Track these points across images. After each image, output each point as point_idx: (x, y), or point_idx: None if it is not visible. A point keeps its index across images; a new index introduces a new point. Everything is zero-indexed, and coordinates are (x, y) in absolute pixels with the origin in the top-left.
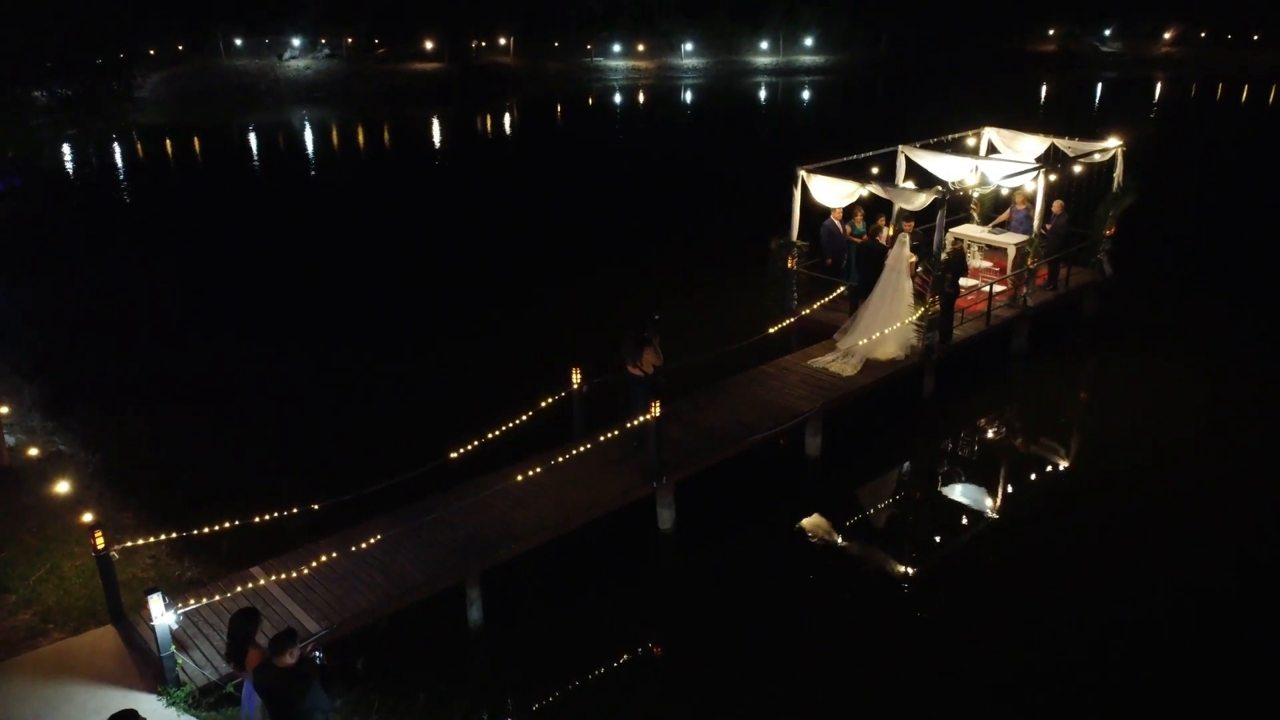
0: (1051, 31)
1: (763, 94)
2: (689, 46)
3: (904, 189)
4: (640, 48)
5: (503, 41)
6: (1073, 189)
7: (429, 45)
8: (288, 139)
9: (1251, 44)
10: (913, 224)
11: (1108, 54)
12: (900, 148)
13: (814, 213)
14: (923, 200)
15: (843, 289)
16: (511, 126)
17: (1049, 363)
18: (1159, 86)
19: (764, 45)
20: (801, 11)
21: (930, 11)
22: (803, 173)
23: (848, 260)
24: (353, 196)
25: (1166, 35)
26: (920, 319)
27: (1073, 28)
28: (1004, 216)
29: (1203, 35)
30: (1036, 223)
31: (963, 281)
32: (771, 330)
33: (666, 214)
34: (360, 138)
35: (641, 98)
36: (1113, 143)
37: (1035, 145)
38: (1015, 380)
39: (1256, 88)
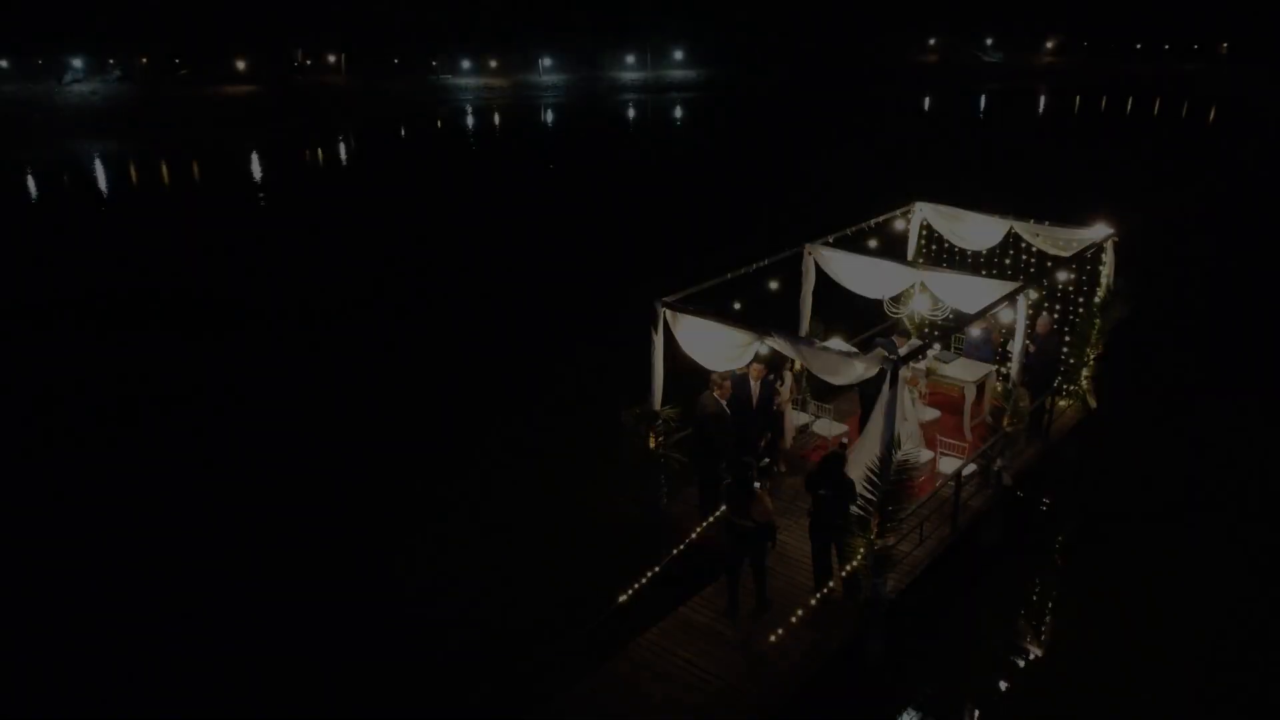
0: (932, 42)
1: (631, 113)
2: (548, 62)
3: (828, 352)
4: (493, 64)
5: (332, 59)
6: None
7: (240, 65)
8: (75, 180)
9: (1134, 54)
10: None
11: (990, 64)
12: (808, 248)
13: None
14: (860, 371)
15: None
16: (347, 155)
17: (1032, 561)
18: (1042, 99)
19: (630, 60)
20: (669, 24)
21: (806, 23)
22: (665, 312)
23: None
24: (157, 246)
25: (1049, 45)
26: (860, 558)
27: (953, 38)
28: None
29: (1085, 45)
30: (1018, 343)
31: (905, 443)
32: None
33: (530, 263)
34: (165, 174)
35: (497, 119)
36: (1101, 230)
37: (986, 228)
38: (990, 602)
39: (1142, 98)
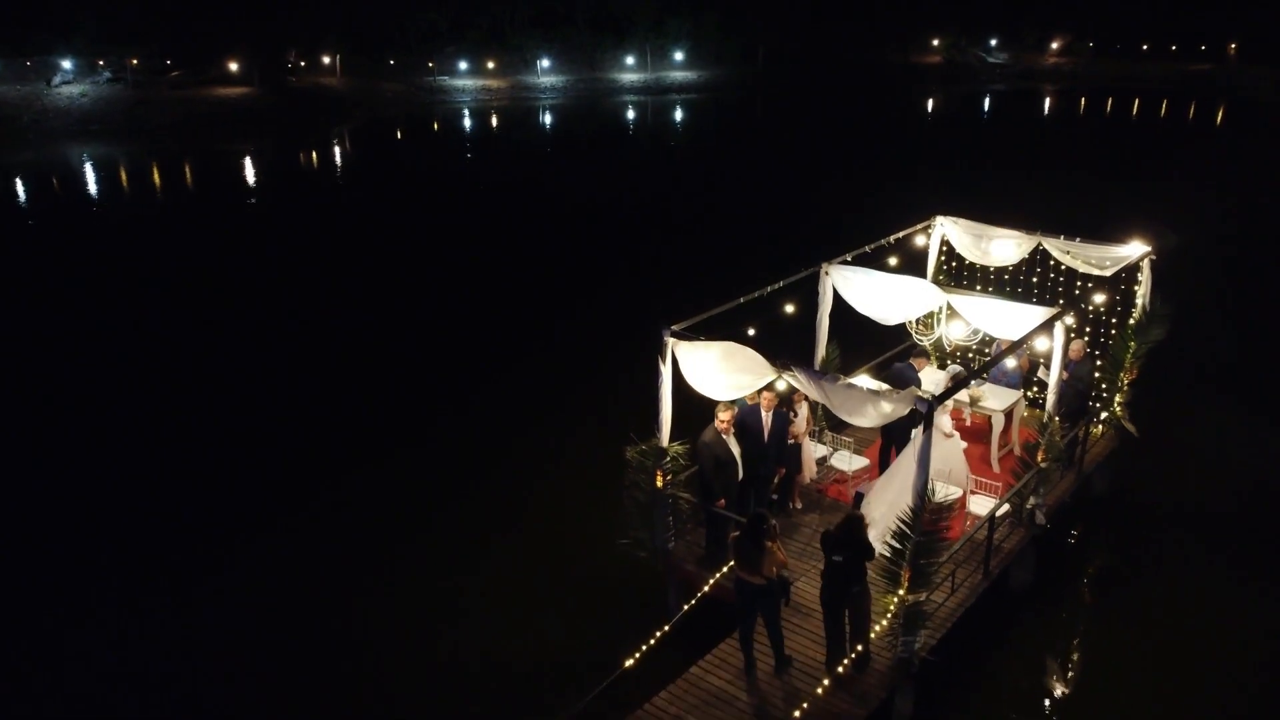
0: (936, 43)
1: (631, 115)
2: (545, 63)
3: (853, 390)
4: (490, 65)
5: (327, 60)
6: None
7: (234, 67)
8: (65, 184)
9: (1140, 54)
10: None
11: (994, 65)
12: (825, 267)
13: (696, 403)
14: (888, 412)
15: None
16: (343, 158)
17: (1065, 603)
18: (1047, 100)
19: (629, 61)
20: (670, 24)
21: (809, 24)
22: (671, 342)
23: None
24: (151, 251)
25: (1054, 45)
26: (893, 615)
27: (957, 39)
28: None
29: (1090, 45)
30: (1054, 373)
31: (941, 482)
32: None
33: (529, 287)
34: (156, 178)
35: (495, 121)
36: (1137, 248)
37: (1011, 246)
38: (1023, 652)
39: (1148, 100)
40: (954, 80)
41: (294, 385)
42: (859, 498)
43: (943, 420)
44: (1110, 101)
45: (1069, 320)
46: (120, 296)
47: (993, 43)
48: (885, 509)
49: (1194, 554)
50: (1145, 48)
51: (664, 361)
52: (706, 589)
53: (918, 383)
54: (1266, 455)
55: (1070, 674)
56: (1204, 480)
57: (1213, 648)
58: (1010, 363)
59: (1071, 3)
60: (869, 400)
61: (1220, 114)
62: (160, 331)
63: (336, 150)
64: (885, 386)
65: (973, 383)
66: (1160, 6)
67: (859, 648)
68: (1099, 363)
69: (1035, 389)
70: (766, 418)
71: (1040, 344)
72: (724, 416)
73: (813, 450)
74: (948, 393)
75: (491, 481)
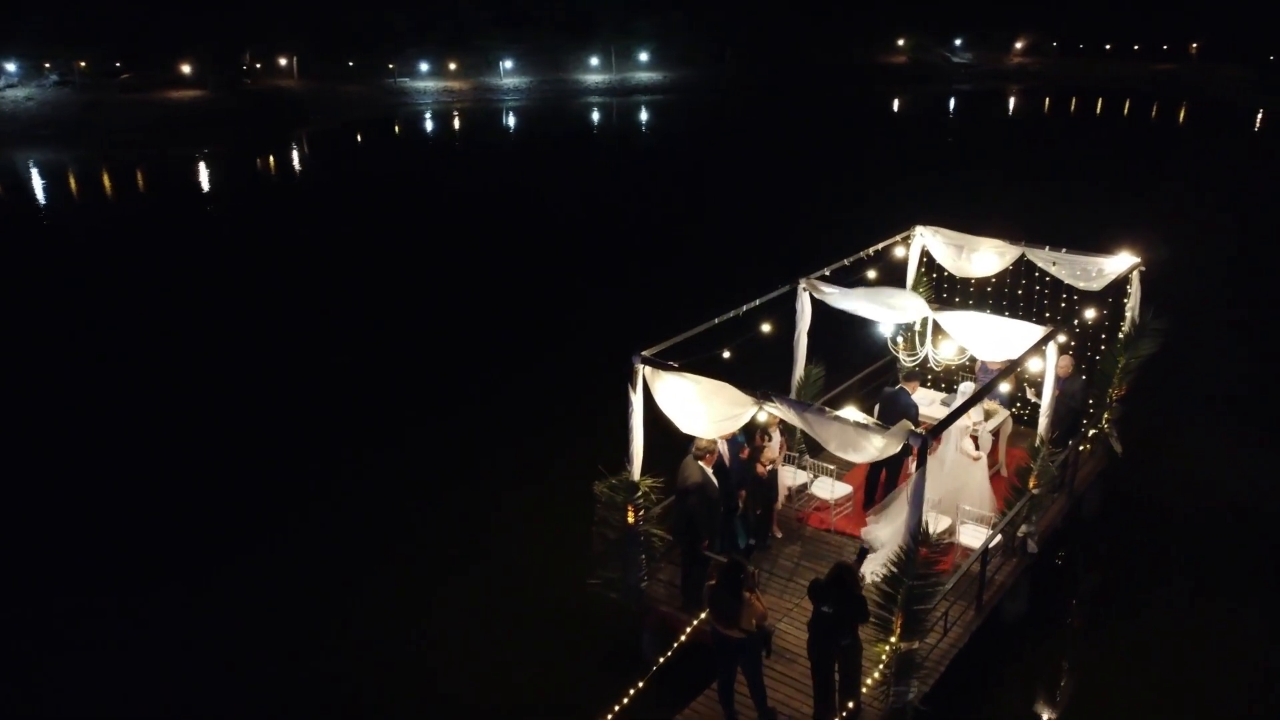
0: (901, 42)
1: (597, 117)
2: (509, 64)
3: (841, 424)
4: (452, 66)
5: (284, 62)
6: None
7: (186, 69)
8: (12, 192)
9: (1104, 54)
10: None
11: (960, 65)
12: (803, 283)
13: (669, 434)
14: (879, 447)
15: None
16: (302, 163)
17: (1058, 631)
18: (1012, 100)
19: (594, 62)
20: (636, 25)
21: (775, 25)
22: (643, 369)
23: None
24: (99, 261)
25: (1018, 45)
26: (885, 665)
27: (922, 38)
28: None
29: (1055, 45)
30: (1046, 395)
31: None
32: None
33: (497, 293)
34: (108, 185)
35: (458, 123)
36: (1126, 260)
37: (994, 258)
38: (1018, 687)
39: (1112, 99)
40: (921, 80)
41: (252, 411)
42: (863, 554)
43: (965, 444)
44: (1075, 101)
45: (1062, 338)
46: (68, 307)
47: (957, 42)
48: (893, 532)
49: (1187, 577)
50: (1108, 48)
51: (635, 390)
52: (684, 638)
53: (914, 408)
54: (1259, 474)
55: (1067, 712)
56: (1196, 500)
57: (1208, 676)
58: (988, 373)
59: (1036, 2)
60: (859, 435)
61: (1183, 113)
62: (105, 347)
63: (295, 155)
64: (873, 420)
65: (990, 402)
66: (1123, 7)
67: (850, 705)
68: (1083, 377)
69: (1018, 405)
70: (723, 445)
71: (1032, 365)
72: (709, 450)
73: (791, 477)
74: (946, 421)
75: (451, 519)
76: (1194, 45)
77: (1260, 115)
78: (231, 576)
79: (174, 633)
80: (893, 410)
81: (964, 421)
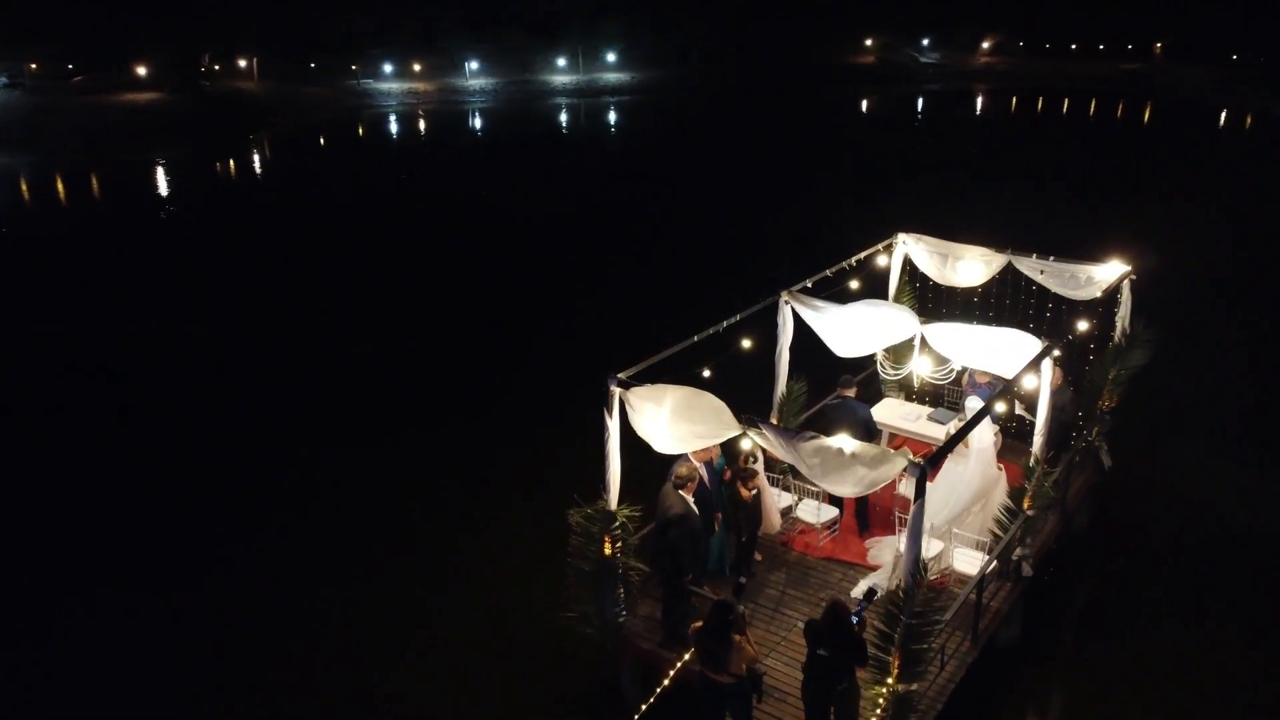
0: (869, 42)
1: (565, 118)
2: (475, 65)
3: (828, 451)
4: (417, 67)
5: (243, 63)
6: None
7: (142, 70)
8: None
9: (1070, 54)
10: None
11: (927, 65)
12: (785, 296)
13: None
14: (873, 480)
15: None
16: (264, 167)
17: (1051, 655)
18: (979, 100)
19: (561, 63)
20: (603, 25)
21: (743, 25)
22: (619, 393)
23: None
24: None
25: (985, 45)
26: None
27: (890, 39)
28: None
29: (1021, 45)
30: (1041, 414)
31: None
32: None
33: (466, 309)
34: (61, 191)
35: (423, 125)
36: (1115, 268)
37: (979, 266)
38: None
39: (1078, 99)
40: (889, 80)
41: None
42: (871, 595)
43: (989, 463)
44: (1041, 101)
45: (1057, 353)
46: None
47: (925, 43)
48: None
49: (1180, 596)
50: (1074, 47)
51: (610, 415)
52: (667, 683)
53: (867, 416)
54: (1249, 489)
55: None
56: (1185, 516)
57: (1201, 698)
58: (976, 387)
59: (1002, 2)
60: (851, 464)
61: (1148, 112)
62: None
63: (256, 158)
64: (870, 448)
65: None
66: (1088, 7)
67: None
68: (1071, 390)
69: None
70: (702, 468)
71: (1027, 381)
72: (690, 478)
73: (775, 499)
74: (949, 445)
75: (418, 550)
76: (1159, 45)
77: (1224, 114)
78: (173, 608)
79: (156, 635)
80: (836, 421)
81: (988, 438)
